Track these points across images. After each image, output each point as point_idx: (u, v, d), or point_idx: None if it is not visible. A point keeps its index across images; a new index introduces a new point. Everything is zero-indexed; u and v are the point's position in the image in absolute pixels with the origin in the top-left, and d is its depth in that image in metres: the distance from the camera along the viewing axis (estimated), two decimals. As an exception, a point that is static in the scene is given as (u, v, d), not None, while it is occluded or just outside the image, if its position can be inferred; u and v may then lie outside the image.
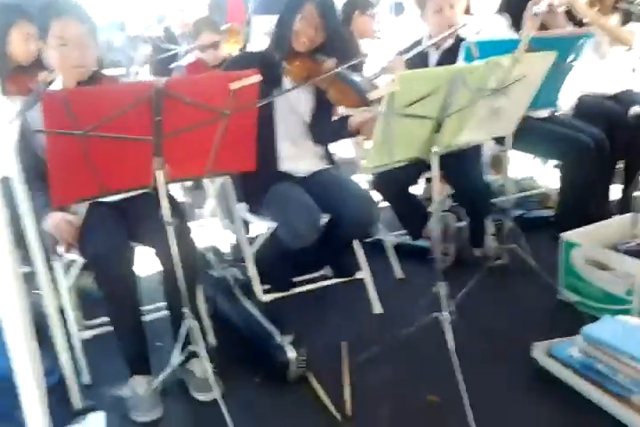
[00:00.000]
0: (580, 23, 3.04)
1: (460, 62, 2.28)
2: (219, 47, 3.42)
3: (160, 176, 1.85)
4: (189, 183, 4.32)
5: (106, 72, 2.56)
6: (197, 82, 1.94)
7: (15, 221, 1.84)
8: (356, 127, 2.36)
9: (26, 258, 2.15)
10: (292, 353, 2.13)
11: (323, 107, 2.48)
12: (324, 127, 2.48)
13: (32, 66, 2.73)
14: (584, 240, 2.49)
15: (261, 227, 2.49)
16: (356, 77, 2.29)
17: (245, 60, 2.45)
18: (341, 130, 2.42)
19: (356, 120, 2.34)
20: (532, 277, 2.52)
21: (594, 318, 2.13)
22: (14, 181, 1.91)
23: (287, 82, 2.44)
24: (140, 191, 2.23)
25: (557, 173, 3.26)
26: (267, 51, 2.49)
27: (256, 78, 1.83)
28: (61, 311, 2.19)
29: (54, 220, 2.07)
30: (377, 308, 2.63)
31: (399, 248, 3.05)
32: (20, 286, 1.68)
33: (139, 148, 1.79)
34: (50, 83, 2.33)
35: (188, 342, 2.03)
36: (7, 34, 2.67)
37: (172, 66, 3.71)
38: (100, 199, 2.06)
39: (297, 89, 2.38)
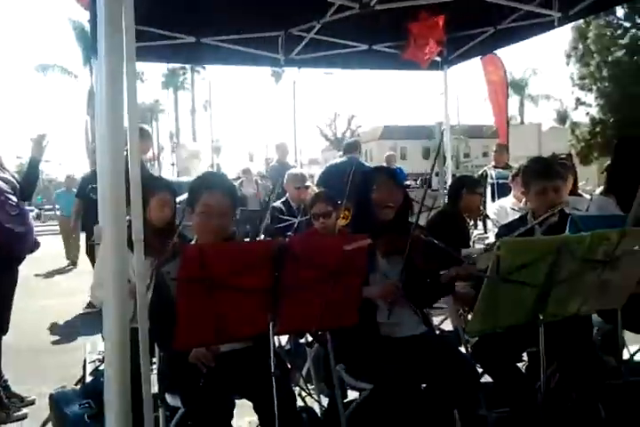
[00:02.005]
0: None
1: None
2: (330, 217, 3.61)
3: (272, 327, 1.96)
4: (287, 346, 4.41)
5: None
6: (315, 242, 2.15)
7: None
8: (449, 280, 2.49)
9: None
10: None
11: (413, 271, 2.56)
12: (419, 289, 2.57)
13: (165, 231, 3.06)
14: None
15: (356, 393, 2.49)
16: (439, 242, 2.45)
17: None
18: (436, 288, 2.56)
19: (450, 275, 2.48)
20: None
21: None
22: (140, 329, 2.10)
23: (379, 255, 2.59)
24: (245, 345, 2.38)
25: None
26: (355, 228, 2.71)
27: (366, 242, 2.00)
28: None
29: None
30: None
31: (502, 426, 2.87)
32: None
33: (257, 299, 1.94)
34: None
35: None
36: (149, 201, 3.05)
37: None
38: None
39: (388, 259, 2.58)
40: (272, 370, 1.97)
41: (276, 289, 1.93)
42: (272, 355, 1.98)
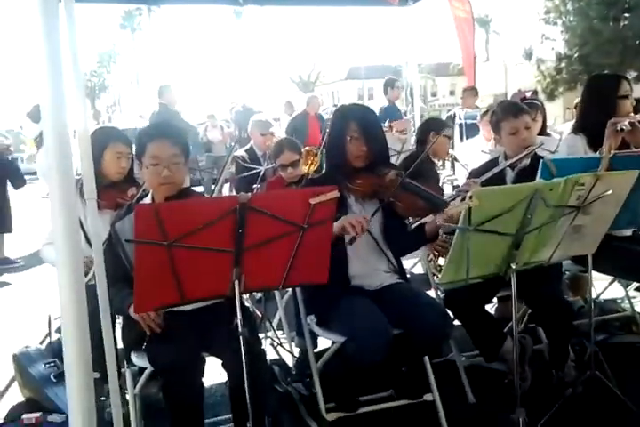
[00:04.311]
0: None
1: (539, 180, 2.28)
2: (298, 166, 3.56)
3: (237, 286, 1.89)
4: (258, 295, 4.38)
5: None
6: (279, 197, 2.03)
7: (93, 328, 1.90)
8: (433, 233, 2.37)
9: (96, 364, 2.18)
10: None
11: (394, 219, 2.50)
12: (401, 239, 2.49)
13: (121, 182, 2.94)
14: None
15: (328, 341, 2.44)
16: (420, 185, 2.34)
17: (318, 182, 2.56)
18: (419, 238, 2.45)
19: (433, 225, 2.34)
20: (618, 409, 2.32)
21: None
22: (99, 286, 2.00)
23: (352, 200, 2.49)
24: (212, 301, 2.30)
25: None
26: (328, 173, 2.60)
27: (334, 194, 1.90)
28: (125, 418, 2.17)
29: None
30: (446, 433, 2.46)
31: (472, 370, 2.90)
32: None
33: (219, 258, 1.85)
34: (140, 198, 2.49)
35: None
36: (102, 154, 2.88)
37: (256, 186, 3.86)
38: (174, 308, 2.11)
39: (363, 206, 2.47)
40: (239, 329, 1.91)
41: (239, 247, 1.84)
42: (238, 314, 1.92)
